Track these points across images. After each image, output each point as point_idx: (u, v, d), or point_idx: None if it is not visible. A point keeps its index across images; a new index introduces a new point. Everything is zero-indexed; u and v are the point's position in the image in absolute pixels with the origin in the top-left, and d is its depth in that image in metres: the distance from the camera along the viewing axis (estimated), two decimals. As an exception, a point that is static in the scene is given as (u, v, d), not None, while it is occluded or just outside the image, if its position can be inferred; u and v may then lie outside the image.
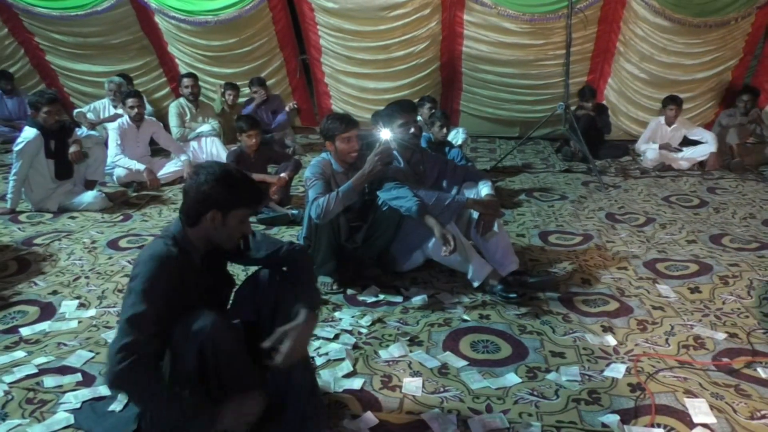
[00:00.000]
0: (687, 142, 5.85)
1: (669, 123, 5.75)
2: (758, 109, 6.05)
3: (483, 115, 7.09)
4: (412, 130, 3.29)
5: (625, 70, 6.50)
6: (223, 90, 6.19)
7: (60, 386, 2.13)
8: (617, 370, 2.22)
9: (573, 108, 5.98)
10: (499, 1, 6.14)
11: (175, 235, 1.76)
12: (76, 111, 6.26)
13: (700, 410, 1.96)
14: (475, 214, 3.08)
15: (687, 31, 6.08)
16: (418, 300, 2.85)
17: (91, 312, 2.75)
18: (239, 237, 1.84)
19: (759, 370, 2.22)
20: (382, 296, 2.90)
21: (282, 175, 4.35)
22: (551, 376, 2.19)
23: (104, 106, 6.21)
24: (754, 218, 4.18)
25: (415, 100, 4.82)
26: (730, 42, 6.18)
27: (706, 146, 5.66)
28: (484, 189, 3.28)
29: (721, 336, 2.49)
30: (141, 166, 4.93)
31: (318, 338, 2.47)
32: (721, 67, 6.37)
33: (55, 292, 2.98)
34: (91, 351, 2.38)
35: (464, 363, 2.29)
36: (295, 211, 4.13)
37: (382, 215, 2.98)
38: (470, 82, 6.84)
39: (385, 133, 2.83)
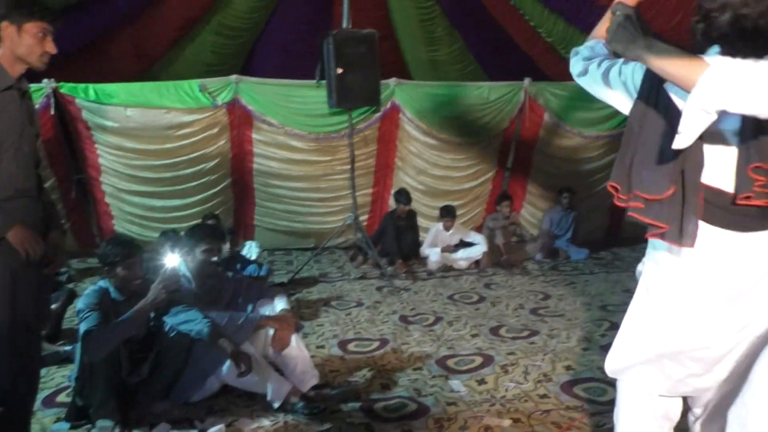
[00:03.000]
0: (464, 243, 6.51)
1: (447, 229, 6.39)
2: (515, 213, 7.08)
3: (278, 229, 7.16)
4: (215, 258, 3.22)
5: (404, 182, 7.13)
6: None
7: None
8: (420, 475, 2.24)
9: (391, 210, 6.59)
10: (286, 122, 6.45)
11: None
12: None
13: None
14: (272, 331, 3.02)
15: (451, 149, 6.95)
16: (214, 431, 2.63)
17: None
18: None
19: (541, 451, 2.42)
20: (173, 433, 2.63)
21: (52, 306, 3.85)
22: (357, 493, 2.13)
23: None
24: (523, 308, 4.70)
25: (199, 220, 4.78)
26: (486, 157, 7.18)
27: (479, 247, 6.36)
28: (280, 304, 3.29)
29: (507, 423, 2.67)
30: None
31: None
32: (483, 178, 7.32)
33: None
34: None
35: (267, 495, 2.13)
36: (68, 348, 3.64)
37: (170, 342, 2.77)
38: (263, 197, 6.93)
39: (172, 258, 2.69)
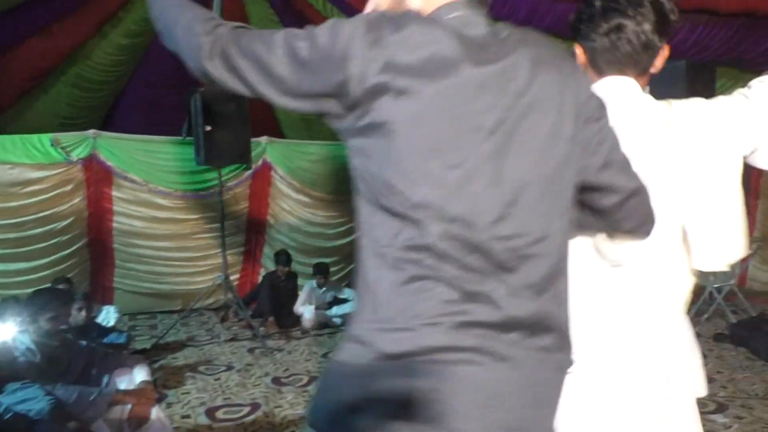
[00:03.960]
0: (338, 300, 6.49)
1: (320, 286, 6.35)
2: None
3: (141, 291, 6.70)
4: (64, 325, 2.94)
5: (277, 240, 7.04)
6: None
7: None
8: None
9: (268, 272, 6.41)
10: (150, 179, 6.17)
11: None
12: None
13: None
14: (129, 405, 2.78)
15: (324, 206, 7.02)
16: None
17: None
18: None
19: None
20: None
21: None
22: None
23: None
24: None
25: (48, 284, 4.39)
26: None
27: (354, 303, 6.37)
28: (140, 375, 3.07)
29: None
30: None
31: None
32: (356, 234, 7.43)
33: None
34: None
35: None
36: None
37: (5, 425, 2.44)
38: (124, 257, 6.48)
39: (5, 329, 2.41)
